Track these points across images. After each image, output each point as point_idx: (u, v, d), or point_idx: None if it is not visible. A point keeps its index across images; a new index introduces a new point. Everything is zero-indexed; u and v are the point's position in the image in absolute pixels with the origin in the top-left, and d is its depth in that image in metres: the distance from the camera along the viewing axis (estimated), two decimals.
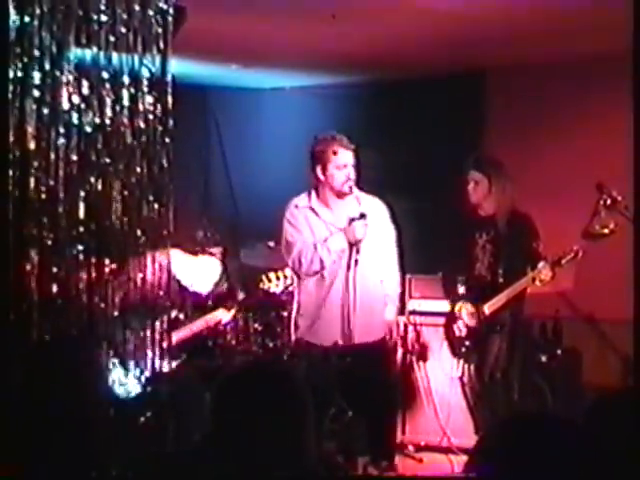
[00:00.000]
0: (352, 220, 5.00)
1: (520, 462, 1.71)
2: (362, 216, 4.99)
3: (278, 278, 5.35)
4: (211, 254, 5.86)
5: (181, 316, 5.26)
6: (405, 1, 4.98)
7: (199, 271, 5.61)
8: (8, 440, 2.49)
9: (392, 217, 5.30)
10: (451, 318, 5.29)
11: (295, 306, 5.25)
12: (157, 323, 4.13)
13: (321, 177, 5.06)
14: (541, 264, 4.95)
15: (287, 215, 5.19)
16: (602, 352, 6.10)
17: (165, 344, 4.17)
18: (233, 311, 5.45)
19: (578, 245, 4.98)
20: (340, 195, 5.10)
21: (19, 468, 2.41)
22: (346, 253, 5.02)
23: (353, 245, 4.99)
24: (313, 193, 5.18)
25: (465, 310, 5.17)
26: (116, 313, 3.97)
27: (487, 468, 1.74)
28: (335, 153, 5.00)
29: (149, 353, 4.11)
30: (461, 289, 5.21)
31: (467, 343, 5.17)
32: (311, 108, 7.49)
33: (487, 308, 5.09)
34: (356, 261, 5.00)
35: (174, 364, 4.77)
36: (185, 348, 5.16)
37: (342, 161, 5.01)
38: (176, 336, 4.99)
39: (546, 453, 1.70)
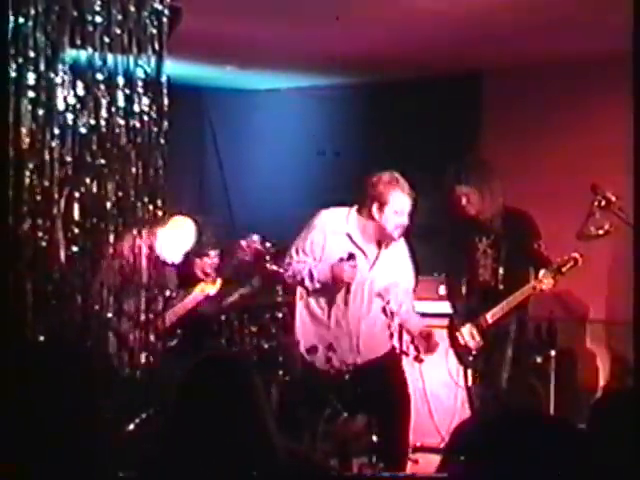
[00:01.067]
0: (341, 260, 4.91)
1: (506, 460, 1.71)
2: (350, 257, 4.90)
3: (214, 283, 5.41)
4: (182, 213, 5.57)
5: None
6: (403, 3, 4.98)
7: (171, 235, 5.43)
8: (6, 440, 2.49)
9: (412, 256, 5.23)
10: (455, 327, 5.24)
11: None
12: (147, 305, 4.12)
13: (376, 216, 4.94)
14: (542, 272, 4.92)
15: (315, 233, 5.05)
16: (596, 353, 6.11)
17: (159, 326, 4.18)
18: (218, 284, 5.42)
19: (577, 252, 4.96)
20: (385, 238, 5.02)
21: (18, 468, 2.41)
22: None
23: (338, 284, 4.93)
24: (355, 219, 5.05)
25: (468, 326, 5.10)
26: (110, 315, 3.98)
27: (472, 466, 1.75)
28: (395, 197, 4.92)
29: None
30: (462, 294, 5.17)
31: (474, 352, 5.11)
32: (307, 109, 7.49)
33: (490, 317, 5.05)
34: (346, 302, 4.97)
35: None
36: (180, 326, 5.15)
37: (400, 207, 4.92)
38: (168, 316, 4.97)
39: (534, 452, 1.70)
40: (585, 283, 5.20)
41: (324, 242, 5.01)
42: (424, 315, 6.00)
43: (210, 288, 5.43)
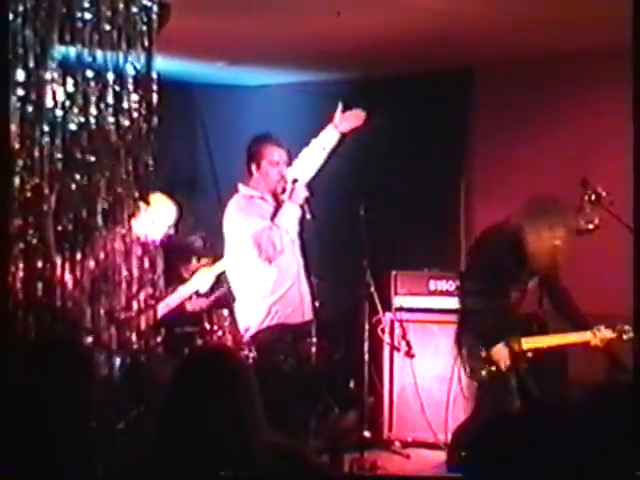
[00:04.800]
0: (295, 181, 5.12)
1: (508, 459, 1.71)
2: (295, 180, 5.13)
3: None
4: (162, 192, 5.46)
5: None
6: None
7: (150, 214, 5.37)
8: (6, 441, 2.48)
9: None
10: (475, 337, 5.00)
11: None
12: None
13: (255, 174, 5.20)
14: (602, 327, 4.84)
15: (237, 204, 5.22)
16: (587, 349, 6.11)
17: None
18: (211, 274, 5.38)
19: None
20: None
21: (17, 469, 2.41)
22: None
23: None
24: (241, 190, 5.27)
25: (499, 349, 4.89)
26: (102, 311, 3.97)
27: (474, 464, 1.75)
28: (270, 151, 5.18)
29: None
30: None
31: (488, 369, 4.92)
32: (296, 105, 7.48)
33: (525, 343, 4.90)
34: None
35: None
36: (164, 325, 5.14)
37: (275, 158, 5.16)
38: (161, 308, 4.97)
39: (535, 451, 1.71)
40: (575, 278, 5.19)
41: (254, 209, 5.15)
42: (415, 310, 6.03)
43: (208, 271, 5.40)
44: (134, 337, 4.14)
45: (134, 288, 4.06)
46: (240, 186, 5.21)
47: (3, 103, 2.93)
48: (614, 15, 4.95)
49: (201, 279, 5.42)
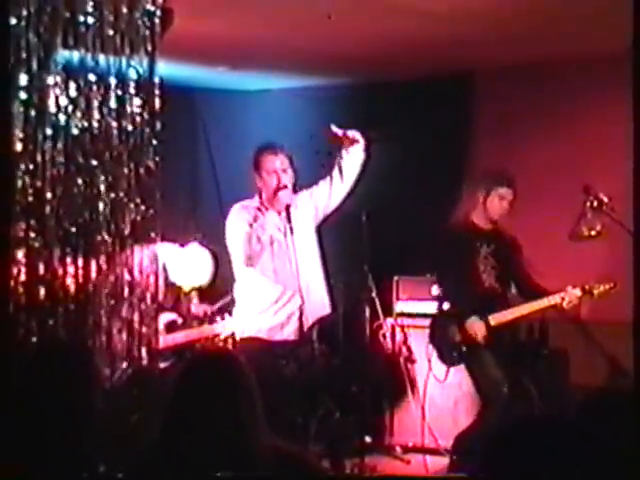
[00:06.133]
0: (277, 190, 5.13)
1: (512, 465, 1.71)
2: (282, 187, 5.12)
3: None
4: (201, 243, 5.64)
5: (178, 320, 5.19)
6: (392, 2, 4.99)
7: (187, 265, 5.46)
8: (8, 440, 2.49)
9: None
10: (445, 323, 5.18)
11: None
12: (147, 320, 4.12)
13: (258, 184, 5.22)
14: (570, 289, 4.90)
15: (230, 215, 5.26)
16: (588, 353, 6.13)
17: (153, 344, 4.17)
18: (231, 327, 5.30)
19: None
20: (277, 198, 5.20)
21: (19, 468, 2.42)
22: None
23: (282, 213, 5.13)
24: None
25: (474, 318, 5.02)
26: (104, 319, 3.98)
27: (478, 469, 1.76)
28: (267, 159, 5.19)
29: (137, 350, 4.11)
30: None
31: (463, 349, 5.07)
32: (297, 109, 7.50)
33: (493, 320, 5.00)
34: (291, 229, 5.11)
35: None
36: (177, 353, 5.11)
37: (272, 167, 5.17)
38: (167, 339, 4.97)
39: (539, 457, 1.71)
40: (576, 283, 5.19)
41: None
42: (417, 316, 6.04)
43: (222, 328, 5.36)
44: (138, 343, 4.15)
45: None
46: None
47: (5, 106, 2.92)
48: (614, 20, 4.98)
49: (227, 325, 5.36)
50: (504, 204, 5.11)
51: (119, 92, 4.01)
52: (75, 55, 3.95)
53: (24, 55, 3.74)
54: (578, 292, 4.90)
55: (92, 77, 3.94)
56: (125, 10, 3.99)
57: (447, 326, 5.11)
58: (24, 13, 3.70)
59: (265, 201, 5.23)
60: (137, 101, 4.06)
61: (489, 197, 5.11)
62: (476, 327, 4.96)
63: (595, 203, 4.98)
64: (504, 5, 5.00)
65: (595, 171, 5.68)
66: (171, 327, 5.12)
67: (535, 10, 5.08)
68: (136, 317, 4.09)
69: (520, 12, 5.10)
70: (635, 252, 2.84)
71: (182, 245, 5.63)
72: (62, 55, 3.91)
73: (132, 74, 4.04)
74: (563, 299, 4.88)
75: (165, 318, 5.09)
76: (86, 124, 3.93)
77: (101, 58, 3.96)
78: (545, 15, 5.16)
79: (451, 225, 5.33)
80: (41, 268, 3.77)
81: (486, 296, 5.06)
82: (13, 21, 3.63)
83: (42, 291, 3.77)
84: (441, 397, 5.74)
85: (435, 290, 5.91)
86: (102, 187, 4.00)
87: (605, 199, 4.97)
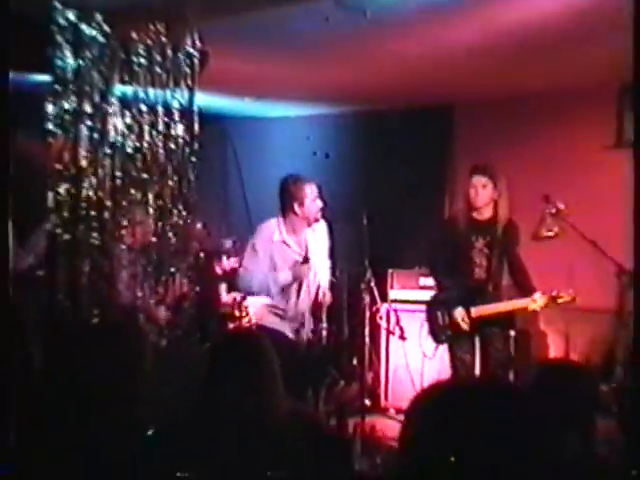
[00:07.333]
0: (298, 263, 5.00)
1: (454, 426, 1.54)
2: (306, 260, 5.00)
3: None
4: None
5: None
6: (387, 46, 5.00)
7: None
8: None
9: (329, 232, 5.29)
10: (439, 308, 5.05)
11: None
12: None
13: (298, 212, 5.00)
14: (538, 295, 4.76)
15: (258, 245, 5.07)
16: (547, 333, 6.14)
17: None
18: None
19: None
20: (311, 224, 5.09)
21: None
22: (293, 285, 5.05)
23: (296, 280, 5.02)
24: (283, 226, 5.07)
25: (460, 309, 4.92)
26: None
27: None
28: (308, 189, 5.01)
29: None
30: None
31: (448, 332, 4.99)
32: (313, 134, 7.47)
33: (474, 311, 4.89)
34: (298, 292, 5.05)
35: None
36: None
37: (313, 195, 5.00)
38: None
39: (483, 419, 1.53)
40: (541, 276, 5.19)
41: (271, 253, 5.02)
42: (407, 302, 6.08)
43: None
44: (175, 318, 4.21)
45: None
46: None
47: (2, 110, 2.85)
48: (595, 56, 4.85)
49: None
50: (486, 192, 4.84)
51: (165, 119, 4.07)
52: (129, 89, 4.02)
53: (88, 89, 3.81)
54: (545, 300, 4.77)
55: (143, 107, 4.01)
56: (170, 52, 4.05)
57: (439, 311, 5.03)
58: (89, 55, 3.77)
59: (293, 230, 5.07)
60: (179, 126, 4.11)
61: (470, 188, 4.88)
62: (460, 316, 4.90)
63: (553, 210, 5.00)
64: (482, 45, 4.94)
65: (553, 184, 5.69)
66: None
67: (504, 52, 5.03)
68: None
69: (498, 50, 4.96)
70: (635, 253, 2.82)
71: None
72: (119, 89, 3.98)
73: (175, 104, 4.10)
74: (534, 301, 4.77)
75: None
76: (138, 145, 4.00)
77: (150, 91, 4.02)
78: (526, 50, 5.00)
79: (444, 220, 5.28)
80: (105, 263, 3.84)
81: (474, 288, 4.92)
82: (80, 62, 3.70)
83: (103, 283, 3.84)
84: (428, 369, 5.76)
85: (423, 281, 5.95)
86: (151, 196, 4.07)
87: (561, 207, 4.98)
